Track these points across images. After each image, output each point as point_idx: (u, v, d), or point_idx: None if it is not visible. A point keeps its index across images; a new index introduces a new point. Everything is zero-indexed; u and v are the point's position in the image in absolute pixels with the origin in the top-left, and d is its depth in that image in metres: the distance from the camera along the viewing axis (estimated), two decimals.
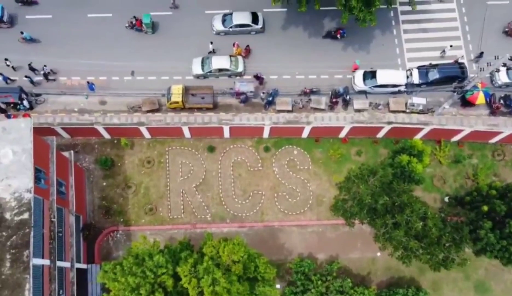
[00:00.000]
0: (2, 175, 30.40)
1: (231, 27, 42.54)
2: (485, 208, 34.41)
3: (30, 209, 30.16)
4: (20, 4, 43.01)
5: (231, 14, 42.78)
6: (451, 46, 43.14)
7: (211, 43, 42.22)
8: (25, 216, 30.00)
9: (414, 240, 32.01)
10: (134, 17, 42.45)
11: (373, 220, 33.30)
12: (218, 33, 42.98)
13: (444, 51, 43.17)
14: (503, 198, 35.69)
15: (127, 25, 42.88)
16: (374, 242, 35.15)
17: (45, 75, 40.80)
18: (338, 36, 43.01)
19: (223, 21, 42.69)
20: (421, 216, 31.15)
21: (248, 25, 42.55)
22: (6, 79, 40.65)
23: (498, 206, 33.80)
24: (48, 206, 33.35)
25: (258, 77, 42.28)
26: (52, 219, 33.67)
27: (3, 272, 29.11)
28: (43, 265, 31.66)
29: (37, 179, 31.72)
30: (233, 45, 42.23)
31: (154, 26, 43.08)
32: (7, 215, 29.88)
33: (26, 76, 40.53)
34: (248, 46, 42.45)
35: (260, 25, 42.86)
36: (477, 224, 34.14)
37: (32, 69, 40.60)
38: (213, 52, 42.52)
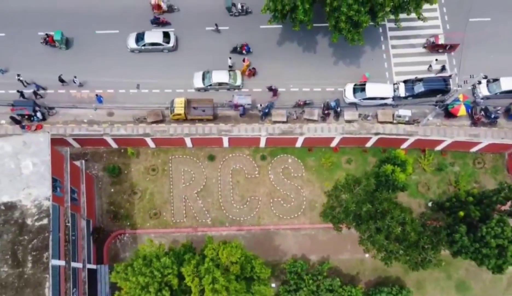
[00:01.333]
0: (24, 184, 34.18)
1: (144, 45, 45.57)
2: (461, 213, 38.11)
3: (49, 215, 33.94)
4: None
5: (143, 33, 45.78)
6: (436, 60, 46.71)
7: (230, 58, 45.47)
8: (45, 221, 33.79)
9: (394, 243, 35.84)
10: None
11: (358, 225, 37.10)
12: (132, 51, 46.04)
13: (430, 65, 46.75)
14: (479, 204, 39.38)
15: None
16: (359, 245, 38.95)
17: (35, 93, 44.23)
18: (244, 51, 46.08)
19: (137, 40, 45.61)
20: (400, 221, 34.93)
21: (159, 44, 45.58)
22: (38, 87, 44.27)
23: (473, 211, 37.50)
24: (63, 212, 37.15)
25: (271, 89, 45.46)
26: (67, 224, 37.50)
27: (25, 272, 32.90)
28: (59, 266, 35.44)
29: (54, 188, 35.47)
30: (243, 60, 45.59)
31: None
32: (28, 221, 33.66)
33: (18, 91, 43.91)
34: (254, 68, 45.70)
35: (171, 44, 45.71)
36: (454, 228, 37.87)
37: (61, 80, 44.22)
38: (231, 66, 45.77)
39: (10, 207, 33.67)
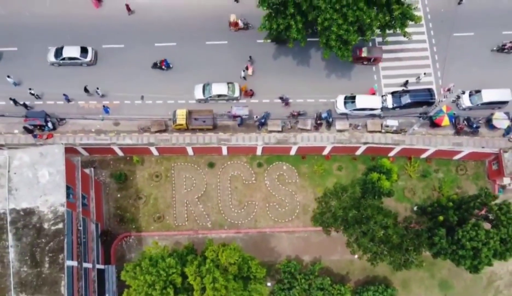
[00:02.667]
0: (41, 192, 37.98)
1: (62, 59, 48.75)
2: (441, 217, 41.97)
3: (64, 220, 37.74)
4: None
5: (62, 47, 48.88)
6: (424, 74, 50.39)
7: (243, 71, 49.32)
8: (60, 226, 37.60)
9: (379, 245, 39.76)
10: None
11: (346, 229, 41.00)
12: (52, 64, 49.33)
13: (419, 77, 50.37)
14: (459, 209, 43.25)
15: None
16: (347, 247, 42.85)
17: (14, 101, 47.47)
18: (163, 67, 49.53)
19: (55, 54, 48.76)
20: (383, 225, 38.79)
21: (77, 59, 48.80)
22: (68, 99, 48.09)
23: (451, 216, 41.33)
24: (76, 216, 40.99)
25: (283, 99, 49.18)
26: (79, 227, 41.35)
27: (43, 271, 36.73)
28: (73, 266, 39.25)
29: (67, 195, 39.26)
30: (246, 68, 49.46)
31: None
32: (45, 225, 37.47)
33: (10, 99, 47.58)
34: (251, 90, 49.29)
35: (89, 59, 48.92)
36: (434, 231, 41.74)
37: (86, 90, 47.99)
38: (244, 79, 49.60)
39: (29, 212, 37.49)
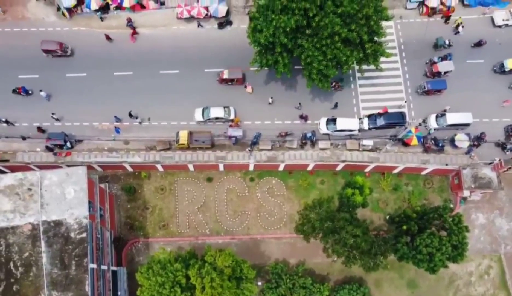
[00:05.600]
0: (67, 206, 46.60)
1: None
2: (404, 227, 50.78)
3: (87, 230, 46.37)
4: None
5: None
6: (405, 102, 58.74)
7: (271, 97, 57.73)
8: (84, 235, 46.24)
9: (351, 250, 48.61)
10: None
11: (322, 237, 49.85)
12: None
13: (400, 106, 58.64)
14: (421, 219, 52.05)
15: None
16: (323, 252, 51.69)
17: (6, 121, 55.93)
18: (21, 93, 56.54)
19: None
20: (353, 235, 47.58)
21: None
22: (118, 131, 56.46)
23: (413, 226, 50.13)
24: (95, 226, 49.66)
25: (303, 117, 57.52)
26: (97, 236, 50.06)
27: (70, 273, 45.40)
28: (93, 268, 47.93)
29: (88, 208, 47.88)
30: (244, 86, 57.83)
31: None
32: (72, 234, 46.11)
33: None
34: (240, 121, 57.53)
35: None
36: (399, 239, 50.60)
37: (130, 115, 56.59)
38: (271, 103, 57.99)
39: (58, 224, 46.14)
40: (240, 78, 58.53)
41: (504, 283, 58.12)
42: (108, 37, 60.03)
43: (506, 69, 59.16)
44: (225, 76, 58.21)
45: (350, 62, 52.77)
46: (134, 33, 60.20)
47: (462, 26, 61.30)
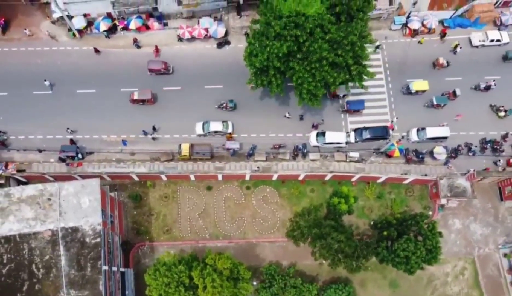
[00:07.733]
0: (83, 214, 53.01)
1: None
2: (385, 232, 57.49)
3: (100, 236, 52.79)
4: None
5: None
6: (397, 118, 65.08)
7: (288, 112, 63.69)
8: (98, 240, 52.68)
9: (336, 254, 55.30)
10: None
11: (310, 242, 56.56)
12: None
13: (392, 121, 65.16)
14: (401, 225, 58.72)
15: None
16: (311, 256, 58.37)
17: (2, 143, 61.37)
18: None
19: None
20: (337, 240, 54.25)
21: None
22: (125, 143, 62.19)
23: (392, 232, 56.82)
24: (107, 232, 56.11)
25: (313, 125, 63.67)
26: (109, 240, 56.54)
27: (86, 274, 51.84)
28: (105, 270, 54.40)
29: (101, 216, 54.31)
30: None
31: None
32: (87, 240, 52.55)
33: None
34: (232, 136, 63.76)
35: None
36: (379, 243, 57.31)
37: (154, 129, 62.45)
38: (288, 117, 64.00)
39: (75, 230, 52.55)
40: (150, 100, 63.60)
41: (477, 283, 64.94)
42: (96, 50, 66.10)
43: (412, 91, 65.62)
44: (135, 97, 63.46)
45: (338, 83, 59.08)
46: (157, 50, 66.25)
47: (460, 47, 67.96)
